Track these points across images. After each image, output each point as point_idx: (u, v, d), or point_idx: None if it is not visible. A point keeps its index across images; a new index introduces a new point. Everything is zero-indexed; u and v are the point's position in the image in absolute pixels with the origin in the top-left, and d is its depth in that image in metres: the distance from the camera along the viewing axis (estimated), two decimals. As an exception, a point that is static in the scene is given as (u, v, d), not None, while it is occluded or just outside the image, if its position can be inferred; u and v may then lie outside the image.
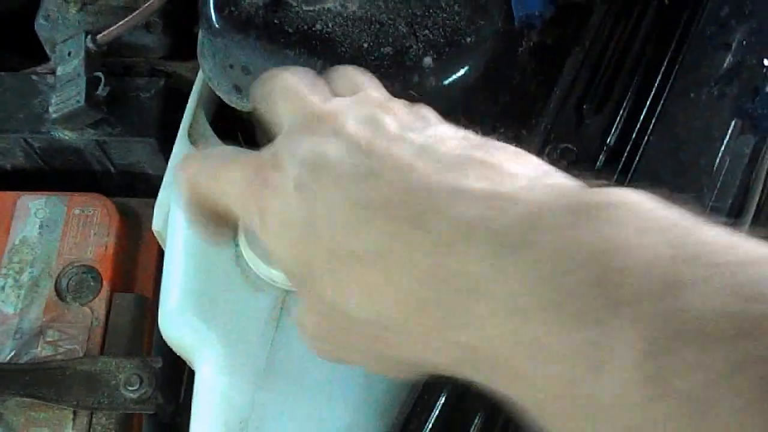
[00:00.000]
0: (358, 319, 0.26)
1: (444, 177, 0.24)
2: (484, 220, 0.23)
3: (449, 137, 0.27)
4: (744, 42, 0.38)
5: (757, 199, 0.39)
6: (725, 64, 0.38)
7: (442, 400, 0.36)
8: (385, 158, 0.26)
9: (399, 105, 0.30)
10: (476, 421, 0.34)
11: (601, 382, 0.19)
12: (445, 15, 0.41)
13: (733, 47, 0.39)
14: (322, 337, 0.30)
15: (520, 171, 0.25)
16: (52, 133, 0.49)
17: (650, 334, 0.19)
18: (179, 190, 0.32)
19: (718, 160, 0.38)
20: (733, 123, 0.38)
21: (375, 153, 0.26)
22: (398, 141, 0.27)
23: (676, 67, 0.39)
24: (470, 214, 0.23)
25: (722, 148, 0.38)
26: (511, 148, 0.27)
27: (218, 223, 0.33)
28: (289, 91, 0.31)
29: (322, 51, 0.41)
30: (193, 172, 0.32)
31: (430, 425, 0.35)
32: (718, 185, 0.37)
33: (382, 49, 0.41)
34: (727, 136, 0.38)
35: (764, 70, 0.39)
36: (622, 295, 0.19)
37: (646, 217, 0.21)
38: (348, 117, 0.28)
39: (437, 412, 0.35)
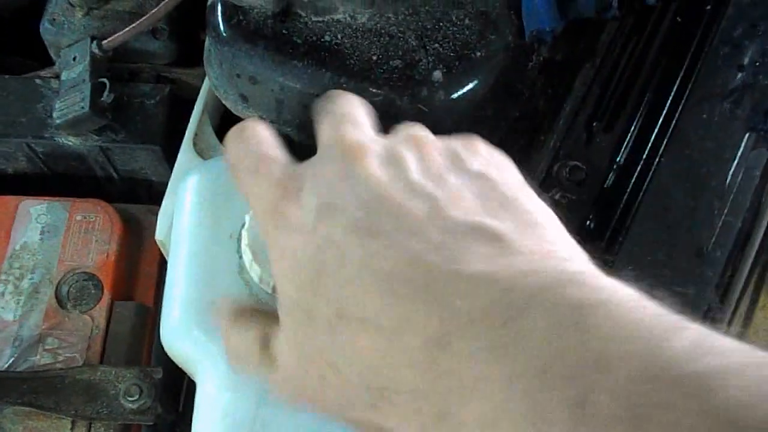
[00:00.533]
0: (351, 381, 0.26)
1: (446, 255, 0.24)
2: (478, 311, 0.22)
3: (469, 195, 0.27)
4: (757, 63, 0.38)
5: None
6: (736, 83, 0.38)
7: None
8: (395, 218, 0.25)
9: (435, 143, 0.29)
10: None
11: None
12: (455, 29, 0.41)
13: (745, 66, 0.38)
14: (296, 378, 0.29)
15: (525, 248, 0.24)
16: (55, 138, 0.49)
17: None
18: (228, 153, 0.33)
19: (729, 175, 0.37)
20: (746, 137, 0.38)
21: (386, 207, 0.26)
22: (414, 194, 0.26)
23: (689, 85, 0.38)
24: (465, 307, 0.23)
25: (734, 163, 0.38)
26: (530, 209, 0.26)
27: None
28: (332, 115, 0.31)
29: (330, 62, 0.41)
30: (235, 155, 0.33)
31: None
32: (730, 201, 0.37)
33: (391, 62, 0.40)
34: (740, 151, 0.38)
35: (776, 93, 0.38)
36: (592, 420, 0.19)
37: (627, 323, 0.21)
38: (373, 154, 0.28)
39: None
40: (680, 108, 0.38)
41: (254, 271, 0.39)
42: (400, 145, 0.28)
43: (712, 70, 0.38)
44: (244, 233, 0.37)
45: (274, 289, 0.37)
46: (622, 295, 0.22)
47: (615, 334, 0.20)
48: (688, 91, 0.39)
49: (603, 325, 0.21)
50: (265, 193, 0.30)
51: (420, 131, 0.30)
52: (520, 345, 0.21)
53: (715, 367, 0.19)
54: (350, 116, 0.31)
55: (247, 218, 0.37)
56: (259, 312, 0.33)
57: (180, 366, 0.43)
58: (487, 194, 0.27)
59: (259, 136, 0.33)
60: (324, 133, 0.31)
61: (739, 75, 0.38)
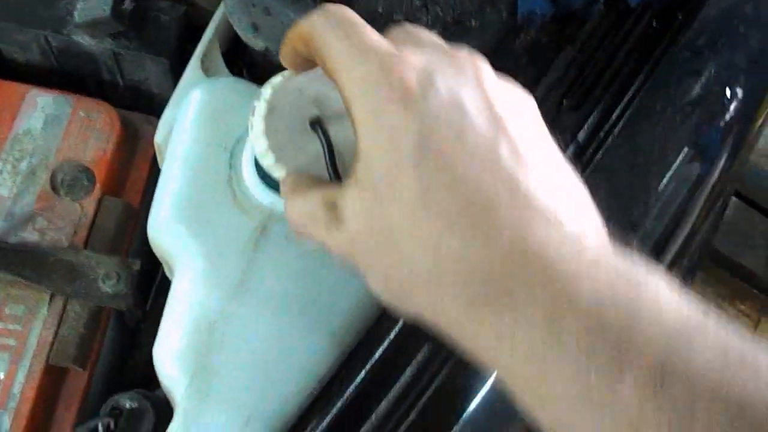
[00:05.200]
0: (414, 265, 0.29)
1: (542, 195, 0.28)
2: (555, 255, 0.27)
3: (549, 144, 0.31)
4: (713, 72, 0.43)
5: (691, 221, 0.44)
6: (693, 89, 0.43)
7: (392, 334, 0.41)
8: (508, 137, 0.29)
9: (532, 102, 0.32)
10: (420, 354, 0.39)
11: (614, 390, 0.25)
12: (456, -3, 0.45)
13: (703, 74, 0.43)
14: (358, 244, 0.31)
15: (587, 209, 0.30)
16: (72, 36, 0.52)
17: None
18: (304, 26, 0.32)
19: (666, 179, 0.42)
20: (685, 150, 0.43)
21: (502, 126, 0.29)
22: (519, 125, 0.30)
23: (649, 82, 0.43)
24: (550, 244, 0.27)
25: (671, 171, 0.43)
26: (581, 188, 0.31)
27: (303, 63, 0.34)
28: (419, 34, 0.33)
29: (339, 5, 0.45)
30: (328, 26, 0.31)
31: (379, 353, 0.39)
32: (661, 202, 0.42)
33: (394, 15, 0.45)
34: (680, 157, 0.43)
35: (725, 100, 0.43)
36: (627, 381, 0.25)
37: (667, 302, 0.26)
38: (486, 71, 0.31)
39: (386, 343, 0.40)
40: (639, 100, 0.43)
41: (249, 179, 0.42)
42: (516, 91, 0.32)
43: (672, 72, 0.43)
44: (260, 103, 0.36)
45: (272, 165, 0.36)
46: (657, 283, 0.27)
47: (650, 317, 0.26)
48: (648, 87, 0.43)
49: (645, 306, 0.26)
50: (379, 63, 0.29)
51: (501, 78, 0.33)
52: (581, 301, 0.26)
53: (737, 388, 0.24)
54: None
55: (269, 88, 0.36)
56: (318, 179, 0.34)
57: (160, 258, 0.47)
58: (559, 165, 0.31)
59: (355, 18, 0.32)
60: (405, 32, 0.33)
61: (696, 80, 0.43)
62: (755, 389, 0.24)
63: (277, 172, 0.36)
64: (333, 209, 0.32)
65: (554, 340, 0.26)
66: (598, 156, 0.41)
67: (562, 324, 0.26)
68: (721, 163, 0.44)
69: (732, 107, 0.44)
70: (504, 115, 0.29)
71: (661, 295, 0.26)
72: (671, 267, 0.44)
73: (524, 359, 0.27)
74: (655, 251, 0.42)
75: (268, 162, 0.36)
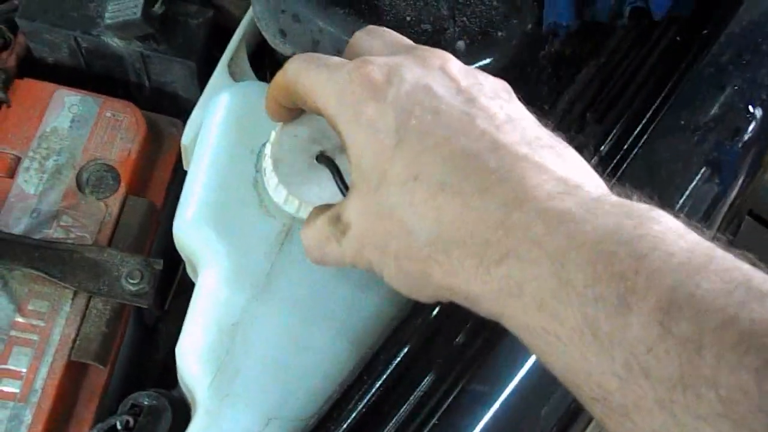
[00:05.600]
0: (417, 235, 0.30)
1: (527, 150, 0.30)
2: (552, 194, 0.28)
3: (528, 116, 0.33)
4: (736, 87, 0.43)
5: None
6: (716, 103, 0.43)
7: (413, 339, 0.41)
8: (484, 110, 0.31)
9: (495, 79, 0.34)
10: (440, 359, 0.39)
11: (614, 323, 0.25)
12: (483, 7, 0.46)
13: (726, 89, 0.44)
14: (367, 240, 0.33)
15: (583, 166, 0.31)
16: (102, 37, 0.52)
17: (666, 295, 0.24)
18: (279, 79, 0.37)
19: (683, 197, 0.43)
20: (703, 169, 0.43)
21: (476, 104, 0.31)
22: (493, 101, 0.32)
23: (673, 97, 0.43)
24: (544, 186, 0.28)
25: (691, 185, 0.43)
26: (575, 153, 0.32)
27: (288, 112, 0.39)
28: (385, 32, 0.37)
29: (368, 15, 0.45)
30: (299, 64, 0.36)
31: (399, 358, 0.40)
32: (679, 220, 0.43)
33: (422, 25, 0.45)
34: (698, 177, 0.43)
35: (748, 115, 0.44)
36: (649, 265, 0.25)
37: (674, 235, 0.26)
38: (455, 63, 0.33)
39: (407, 348, 0.40)
40: (662, 115, 0.43)
41: (271, 185, 0.43)
42: (474, 71, 0.34)
43: (697, 87, 0.44)
44: (268, 146, 0.42)
45: (286, 198, 0.41)
46: (669, 222, 0.27)
47: (658, 250, 0.26)
48: (672, 102, 0.44)
49: (650, 242, 0.26)
50: (338, 79, 0.33)
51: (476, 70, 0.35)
52: (592, 220, 0.27)
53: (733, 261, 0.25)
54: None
55: (273, 133, 0.42)
56: (323, 207, 0.37)
57: (185, 257, 0.47)
58: (541, 126, 0.33)
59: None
60: (385, 41, 0.36)
61: (719, 94, 0.44)
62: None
63: (290, 207, 0.41)
64: (338, 221, 0.34)
65: (561, 282, 0.26)
66: (619, 171, 0.42)
67: (567, 262, 0.26)
68: (739, 182, 0.45)
69: (751, 126, 0.44)
70: (473, 91, 0.32)
71: (666, 228, 0.27)
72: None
73: (536, 310, 0.27)
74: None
75: (279, 198, 0.41)
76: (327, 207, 0.37)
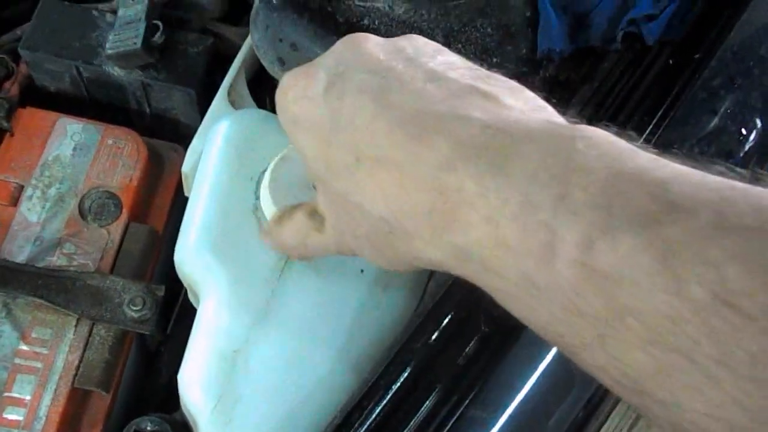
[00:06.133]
0: (372, 214, 0.32)
1: (450, 104, 0.29)
2: (478, 146, 0.28)
3: (459, 66, 0.33)
4: (729, 111, 0.44)
5: None
6: (709, 127, 0.44)
7: (410, 367, 0.41)
8: (401, 79, 0.31)
9: (419, 37, 0.35)
10: (441, 384, 0.39)
11: (545, 272, 0.26)
12: (478, 34, 0.47)
13: (719, 113, 0.44)
14: (341, 227, 0.35)
15: (515, 104, 0.30)
16: (103, 66, 0.53)
17: (583, 231, 0.25)
18: None
19: None
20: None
21: (392, 73, 0.31)
22: (413, 64, 0.32)
23: (666, 121, 0.44)
24: (468, 140, 0.28)
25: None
26: (511, 83, 0.32)
27: None
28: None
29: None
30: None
31: (399, 383, 0.40)
32: None
33: (418, 53, 0.46)
34: None
35: (741, 138, 0.44)
36: (569, 205, 0.25)
37: (604, 147, 0.26)
38: (371, 40, 0.34)
39: (407, 372, 0.40)
40: (656, 138, 0.44)
41: (268, 212, 0.44)
42: (394, 39, 0.34)
43: (689, 111, 0.44)
44: (267, 174, 0.42)
45: None
46: (601, 132, 0.27)
47: (594, 153, 0.26)
48: (665, 126, 0.44)
49: (585, 148, 0.26)
50: (285, 85, 0.35)
51: (410, 35, 0.35)
52: (517, 165, 0.27)
53: (667, 175, 0.25)
54: None
55: (271, 161, 0.42)
56: (296, 205, 0.39)
57: (186, 285, 0.48)
58: (474, 69, 0.32)
59: None
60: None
61: (712, 119, 0.44)
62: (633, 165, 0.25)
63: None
64: (315, 214, 0.37)
65: (497, 243, 0.27)
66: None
67: (500, 223, 0.27)
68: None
69: (747, 146, 0.45)
70: (392, 62, 0.32)
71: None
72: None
73: (484, 272, 0.29)
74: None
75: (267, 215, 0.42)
76: (298, 205, 0.39)
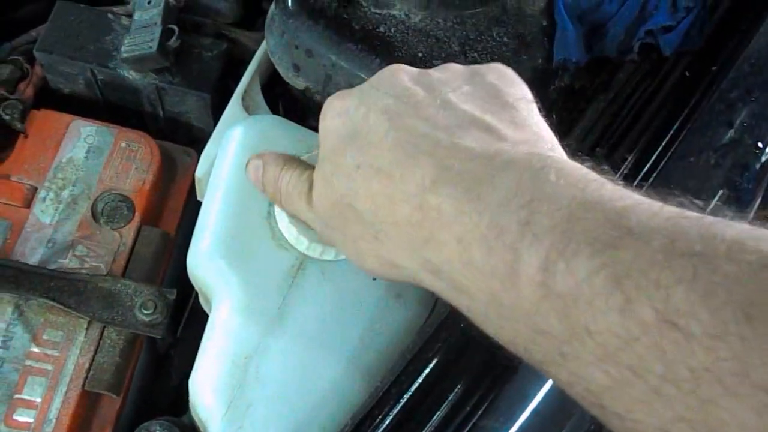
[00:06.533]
0: (362, 217, 0.35)
1: (450, 132, 0.33)
2: (462, 172, 0.31)
3: (479, 97, 0.35)
4: (745, 123, 0.44)
5: None
6: (725, 139, 0.44)
7: (422, 376, 0.41)
8: (417, 105, 0.34)
9: (459, 66, 0.37)
10: (453, 393, 0.39)
11: (510, 293, 0.28)
12: (494, 43, 0.47)
13: (735, 125, 0.44)
14: (329, 220, 0.38)
15: (511, 137, 0.32)
16: (118, 69, 0.53)
17: (544, 255, 0.27)
18: None
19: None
20: (720, 192, 0.44)
21: (412, 99, 0.35)
22: (433, 93, 0.35)
23: (683, 132, 0.44)
24: (454, 166, 0.31)
25: (707, 212, 0.43)
26: (523, 115, 0.34)
27: None
28: None
29: (381, 51, 0.46)
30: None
31: (412, 391, 0.40)
32: None
33: (434, 61, 0.46)
34: (713, 203, 0.44)
35: (757, 150, 0.44)
36: (533, 230, 0.28)
37: (572, 178, 0.29)
38: (405, 70, 0.37)
39: (420, 381, 0.40)
40: (672, 150, 0.44)
41: (282, 221, 0.44)
42: (433, 69, 0.37)
43: (706, 123, 0.44)
44: None
45: (297, 237, 0.43)
46: (573, 165, 0.30)
47: (562, 183, 0.28)
48: (682, 137, 0.44)
49: (554, 179, 0.29)
50: (328, 104, 0.39)
51: (449, 63, 0.38)
52: (491, 192, 0.30)
53: (627, 205, 0.27)
54: None
55: None
56: (304, 162, 0.42)
57: (198, 290, 0.48)
58: (491, 99, 0.35)
59: None
60: None
61: (729, 131, 0.44)
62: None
63: (301, 245, 0.43)
64: (309, 191, 0.39)
65: (465, 264, 0.30)
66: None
67: (470, 245, 0.29)
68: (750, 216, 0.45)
69: (763, 159, 0.44)
70: (418, 90, 0.35)
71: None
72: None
73: (454, 291, 0.31)
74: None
75: (291, 236, 0.44)
76: (302, 163, 0.42)
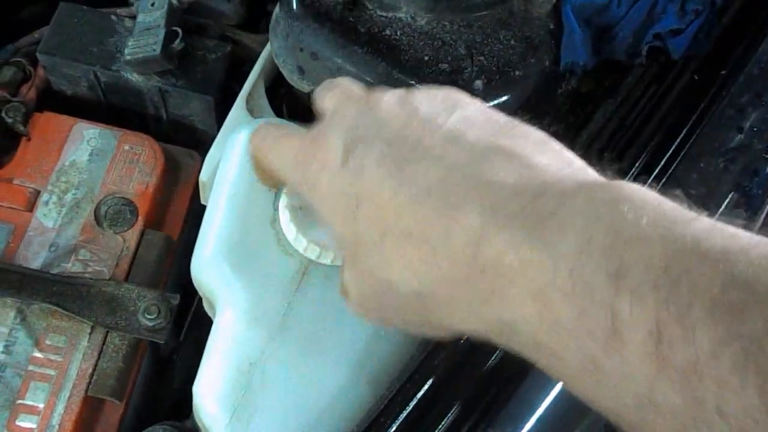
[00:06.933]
0: (403, 291, 0.30)
1: (474, 169, 0.28)
2: (513, 213, 0.26)
3: (477, 119, 0.31)
4: (755, 128, 0.43)
5: None
6: (734, 143, 0.43)
7: (429, 382, 0.41)
8: (417, 146, 0.29)
9: (427, 89, 0.33)
10: (458, 401, 0.39)
11: (612, 359, 0.24)
12: (501, 47, 0.46)
13: (744, 130, 0.44)
14: (366, 304, 0.34)
15: (543, 162, 0.28)
16: (121, 72, 0.53)
17: (653, 318, 0.23)
18: (249, 153, 0.38)
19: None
20: (730, 196, 0.43)
21: (409, 140, 0.30)
22: (429, 127, 0.30)
23: (693, 137, 0.43)
24: (500, 207, 0.27)
25: (716, 215, 0.43)
26: (535, 135, 0.30)
27: (273, 183, 0.41)
28: (338, 85, 0.36)
29: (386, 54, 0.46)
30: (258, 140, 0.39)
31: (417, 399, 0.40)
32: None
33: (440, 64, 0.45)
34: (723, 205, 0.43)
35: (767, 155, 0.44)
36: (630, 284, 0.23)
37: (653, 212, 0.24)
38: (384, 101, 0.32)
39: (425, 388, 0.40)
40: (681, 154, 0.43)
41: (286, 226, 0.43)
42: (408, 92, 0.33)
43: (715, 127, 0.44)
44: (284, 195, 0.42)
45: (306, 247, 0.42)
46: (644, 193, 0.25)
47: (644, 221, 0.24)
48: (691, 141, 0.44)
49: (633, 214, 0.24)
50: (292, 151, 0.34)
51: (415, 90, 0.34)
52: (561, 235, 0.25)
53: (727, 244, 0.23)
54: (358, 86, 0.36)
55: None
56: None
57: (202, 295, 0.47)
58: (491, 122, 0.31)
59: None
60: (334, 94, 0.36)
61: (738, 136, 0.44)
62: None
63: (300, 246, 0.42)
64: (343, 286, 0.35)
65: (549, 321, 0.25)
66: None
67: (549, 299, 0.25)
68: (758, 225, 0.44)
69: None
70: (409, 127, 0.30)
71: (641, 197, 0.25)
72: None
73: (534, 350, 0.27)
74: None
75: (299, 246, 0.43)
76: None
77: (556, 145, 0.30)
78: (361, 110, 0.32)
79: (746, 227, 0.25)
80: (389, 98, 0.32)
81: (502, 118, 0.31)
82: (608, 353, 0.24)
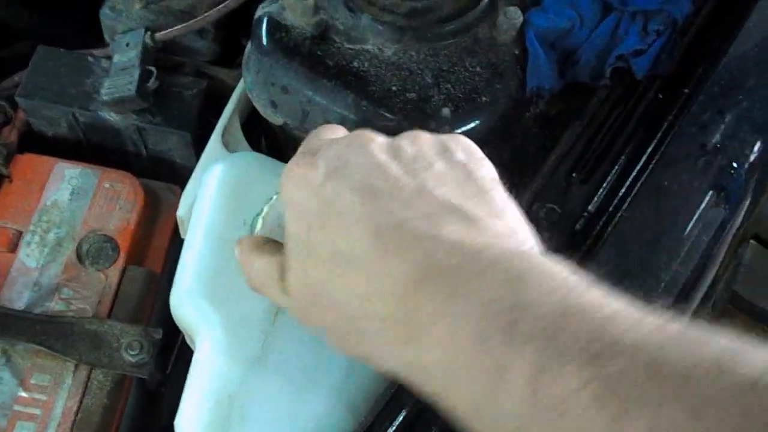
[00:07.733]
0: (340, 307, 0.33)
1: (428, 222, 0.31)
2: (441, 269, 0.30)
3: (452, 180, 0.34)
4: (718, 145, 0.44)
5: (716, 267, 0.45)
6: (700, 162, 0.44)
7: (409, 405, 0.41)
8: (391, 187, 0.32)
9: (428, 136, 0.36)
10: (436, 427, 0.39)
11: (497, 400, 0.28)
12: (467, 74, 0.47)
13: (708, 147, 0.45)
14: (306, 309, 0.36)
15: (493, 229, 0.32)
16: (99, 112, 0.54)
17: (532, 361, 0.27)
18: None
19: (688, 228, 0.43)
20: (709, 194, 0.43)
21: (386, 179, 0.33)
22: (408, 172, 0.33)
23: (658, 155, 0.44)
24: (438, 262, 0.30)
25: (695, 217, 0.43)
26: (499, 203, 0.34)
27: None
28: (333, 128, 0.40)
29: (355, 86, 0.46)
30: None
31: (396, 425, 0.40)
32: (685, 251, 0.43)
33: (407, 94, 0.46)
34: (702, 206, 0.43)
35: (733, 172, 0.44)
36: (519, 337, 0.27)
37: (551, 284, 0.28)
38: (378, 141, 0.35)
39: (403, 414, 0.40)
40: (647, 172, 0.44)
41: None
42: (399, 138, 0.36)
43: (679, 146, 0.44)
44: (259, 220, 0.42)
45: None
46: (553, 267, 0.29)
47: (540, 289, 0.28)
48: (657, 158, 0.44)
49: (533, 284, 0.28)
50: (290, 171, 0.37)
51: (417, 132, 0.37)
52: (475, 294, 0.29)
53: (608, 315, 0.27)
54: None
55: (265, 207, 0.42)
56: (277, 244, 0.39)
57: (182, 329, 0.48)
58: (465, 182, 0.34)
59: None
60: (329, 132, 0.39)
61: (704, 153, 0.44)
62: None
63: None
64: (282, 279, 0.37)
65: (450, 371, 0.29)
66: (610, 228, 0.42)
67: (459, 353, 0.28)
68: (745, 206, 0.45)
69: (739, 178, 0.44)
70: (389, 167, 0.33)
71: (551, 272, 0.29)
72: (697, 312, 0.44)
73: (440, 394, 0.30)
74: (681, 297, 0.42)
75: None
76: (274, 245, 0.39)
77: (513, 215, 0.34)
78: (353, 142, 0.35)
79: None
80: (381, 140, 0.35)
81: (480, 180, 0.34)
82: (493, 397, 0.28)
